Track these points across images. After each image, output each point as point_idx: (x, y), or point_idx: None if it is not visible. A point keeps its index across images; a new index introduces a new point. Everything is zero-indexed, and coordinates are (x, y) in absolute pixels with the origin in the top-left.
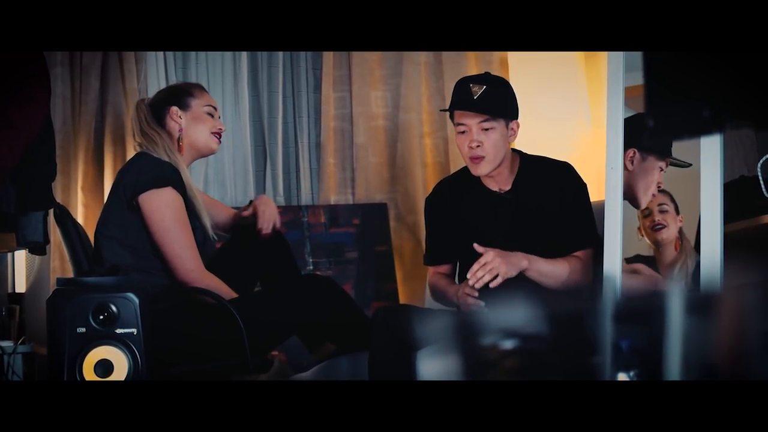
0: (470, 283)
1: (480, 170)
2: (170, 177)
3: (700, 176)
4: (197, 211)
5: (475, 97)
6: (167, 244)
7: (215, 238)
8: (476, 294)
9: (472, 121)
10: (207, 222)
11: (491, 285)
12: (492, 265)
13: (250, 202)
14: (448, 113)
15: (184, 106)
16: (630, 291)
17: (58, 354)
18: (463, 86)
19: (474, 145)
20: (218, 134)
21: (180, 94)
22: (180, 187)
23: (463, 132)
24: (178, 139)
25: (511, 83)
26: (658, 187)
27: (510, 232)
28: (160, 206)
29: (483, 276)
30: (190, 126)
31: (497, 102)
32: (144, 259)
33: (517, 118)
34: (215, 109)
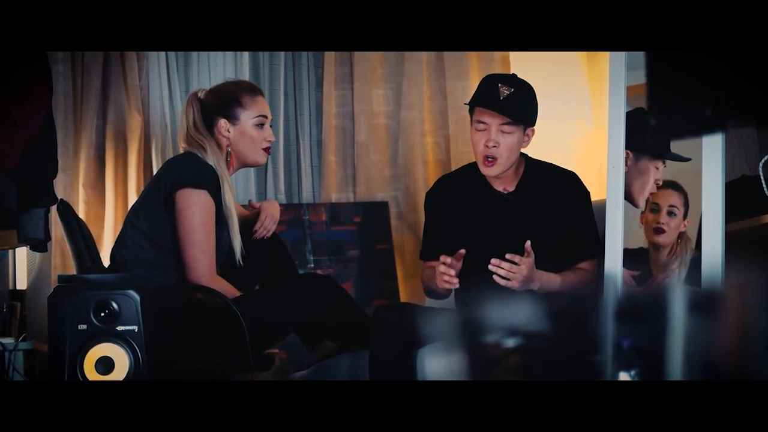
0: (493, 262)
1: (491, 172)
2: (209, 182)
3: (702, 175)
4: (229, 226)
5: (501, 98)
6: (188, 245)
7: (241, 263)
8: (452, 272)
9: (494, 121)
10: (238, 244)
11: (498, 281)
12: (519, 273)
13: (249, 201)
14: (467, 106)
15: (232, 119)
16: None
17: (60, 351)
18: (490, 84)
19: (491, 144)
20: (267, 148)
21: (230, 104)
22: (216, 194)
23: (482, 130)
24: (227, 154)
25: None
26: (657, 185)
27: (510, 233)
28: (191, 206)
29: (503, 272)
30: (238, 140)
31: (522, 107)
32: (167, 257)
33: (534, 125)
34: (266, 117)
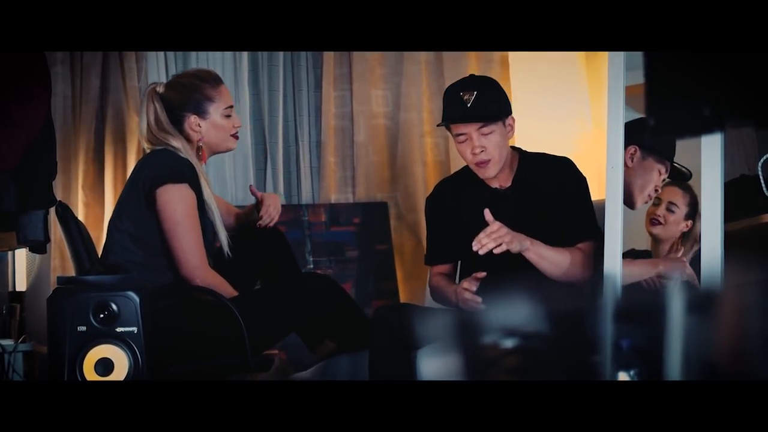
0: (474, 248)
1: (488, 173)
2: (188, 174)
3: (701, 175)
4: (212, 219)
5: (468, 105)
6: (175, 238)
7: (230, 255)
8: (474, 289)
9: (471, 129)
10: (224, 236)
11: (495, 251)
12: (498, 234)
13: (250, 186)
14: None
15: (202, 113)
16: (630, 279)
17: (59, 352)
18: (453, 96)
19: (478, 151)
20: (236, 133)
21: (197, 99)
22: (196, 187)
23: (463, 141)
24: (198, 149)
25: (511, 83)
26: (656, 190)
27: (511, 228)
28: (174, 200)
29: (487, 243)
30: (210, 133)
31: (491, 105)
32: (156, 256)
33: (511, 113)
34: (232, 106)
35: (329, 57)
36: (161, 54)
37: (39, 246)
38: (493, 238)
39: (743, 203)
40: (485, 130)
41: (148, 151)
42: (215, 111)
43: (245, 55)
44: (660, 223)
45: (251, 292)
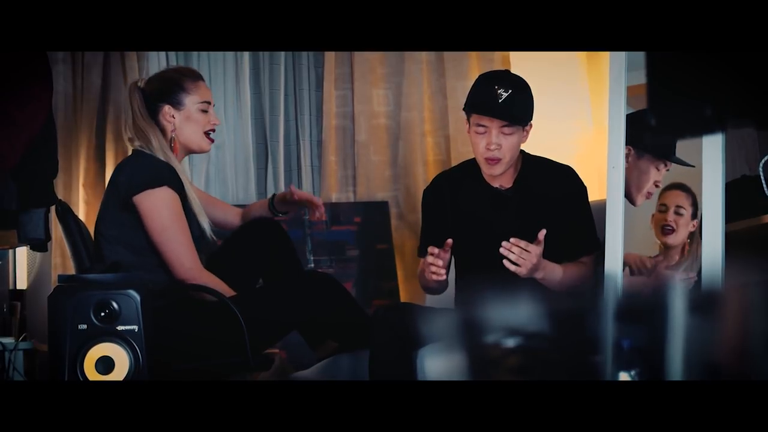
0: (504, 245)
1: (494, 171)
2: (166, 176)
3: (702, 175)
4: (194, 211)
5: (500, 101)
6: (164, 243)
7: (214, 238)
8: (436, 252)
9: (494, 124)
10: (205, 223)
11: (508, 266)
12: (528, 260)
13: (273, 195)
14: (461, 107)
15: (177, 104)
16: (631, 287)
17: (60, 351)
18: (487, 86)
19: (493, 147)
20: (211, 131)
21: (174, 90)
22: (176, 185)
23: (482, 132)
24: (171, 140)
25: None
26: (656, 185)
27: (509, 229)
28: (156, 205)
29: (512, 254)
30: (182, 126)
31: (522, 109)
32: (142, 256)
33: (531, 120)
34: (209, 103)
35: (330, 56)
36: (162, 53)
37: (40, 244)
38: (522, 258)
39: (744, 204)
40: (507, 130)
41: (128, 144)
42: (191, 103)
43: (246, 53)
44: (673, 230)
45: (252, 290)
